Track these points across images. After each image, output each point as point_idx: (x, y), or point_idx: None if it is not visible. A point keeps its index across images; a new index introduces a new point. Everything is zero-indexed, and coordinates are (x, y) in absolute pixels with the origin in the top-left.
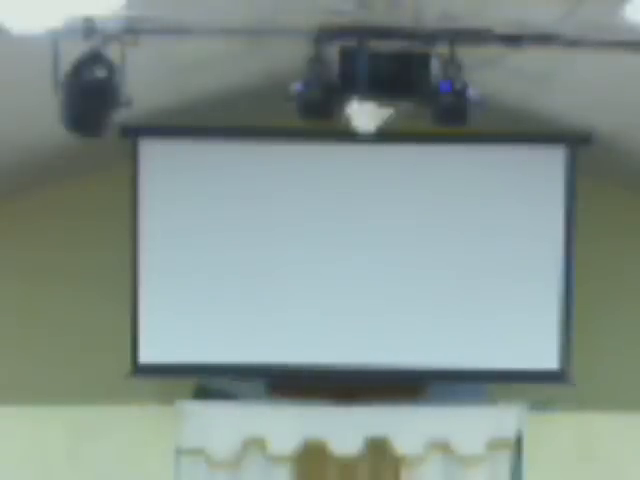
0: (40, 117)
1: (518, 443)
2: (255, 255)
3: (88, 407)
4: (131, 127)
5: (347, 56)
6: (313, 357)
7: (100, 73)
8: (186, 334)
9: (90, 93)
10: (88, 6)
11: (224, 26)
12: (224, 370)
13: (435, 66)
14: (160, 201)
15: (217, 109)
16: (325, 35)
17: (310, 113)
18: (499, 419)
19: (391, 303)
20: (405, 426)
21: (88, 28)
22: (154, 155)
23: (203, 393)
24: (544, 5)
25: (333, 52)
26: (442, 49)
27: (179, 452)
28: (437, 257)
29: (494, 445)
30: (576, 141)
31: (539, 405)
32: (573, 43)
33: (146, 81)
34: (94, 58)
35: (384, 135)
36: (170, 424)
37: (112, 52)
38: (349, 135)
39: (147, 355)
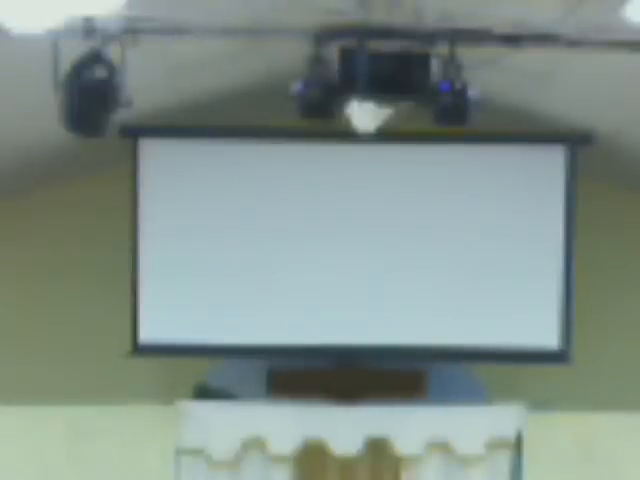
0: (40, 117)
1: (518, 443)
2: (256, 249)
3: (88, 407)
4: (131, 127)
5: (347, 56)
6: (312, 339)
7: (100, 73)
8: (186, 315)
9: (90, 93)
10: (88, 6)
11: (224, 26)
12: (223, 351)
13: (435, 66)
14: (160, 201)
15: (217, 109)
16: (325, 35)
17: (310, 113)
18: (499, 419)
19: (391, 288)
20: (405, 426)
21: (88, 28)
22: (154, 155)
23: (203, 393)
24: (544, 5)
25: (333, 52)
26: (442, 49)
27: (179, 452)
28: (436, 251)
29: (494, 445)
30: (576, 141)
31: (539, 405)
32: (573, 43)
33: (146, 81)
34: (94, 58)
35: (384, 135)
36: (170, 424)
37: (112, 52)
38: (349, 135)
39: (147, 336)
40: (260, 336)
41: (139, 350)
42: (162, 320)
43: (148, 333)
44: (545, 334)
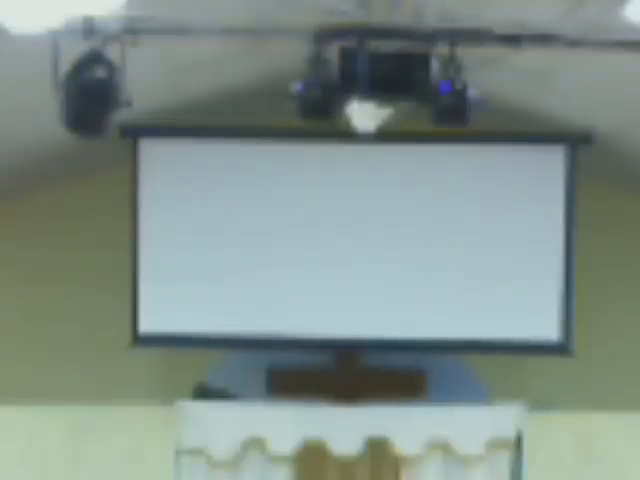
0: (40, 117)
1: (518, 443)
2: (255, 247)
3: (88, 407)
4: (131, 127)
5: (347, 56)
6: (311, 332)
7: (100, 73)
8: (186, 308)
9: (90, 93)
10: (88, 6)
11: (224, 26)
12: (223, 343)
13: (435, 66)
14: (160, 201)
15: (217, 109)
16: (325, 35)
17: (310, 113)
18: (499, 419)
19: (391, 284)
20: (405, 426)
21: (88, 28)
22: (154, 155)
23: (203, 393)
24: (544, 5)
25: (333, 52)
26: (442, 49)
27: (179, 452)
28: (437, 249)
29: (494, 445)
30: (576, 141)
31: (539, 405)
32: (573, 43)
33: (146, 81)
34: (94, 58)
35: (384, 135)
36: (170, 424)
37: (112, 52)
38: (349, 135)
39: (146, 328)
40: (260, 329)
41: (139, 341)
42: (162, 312)
43: (148, 325)
44: (546, 328)
